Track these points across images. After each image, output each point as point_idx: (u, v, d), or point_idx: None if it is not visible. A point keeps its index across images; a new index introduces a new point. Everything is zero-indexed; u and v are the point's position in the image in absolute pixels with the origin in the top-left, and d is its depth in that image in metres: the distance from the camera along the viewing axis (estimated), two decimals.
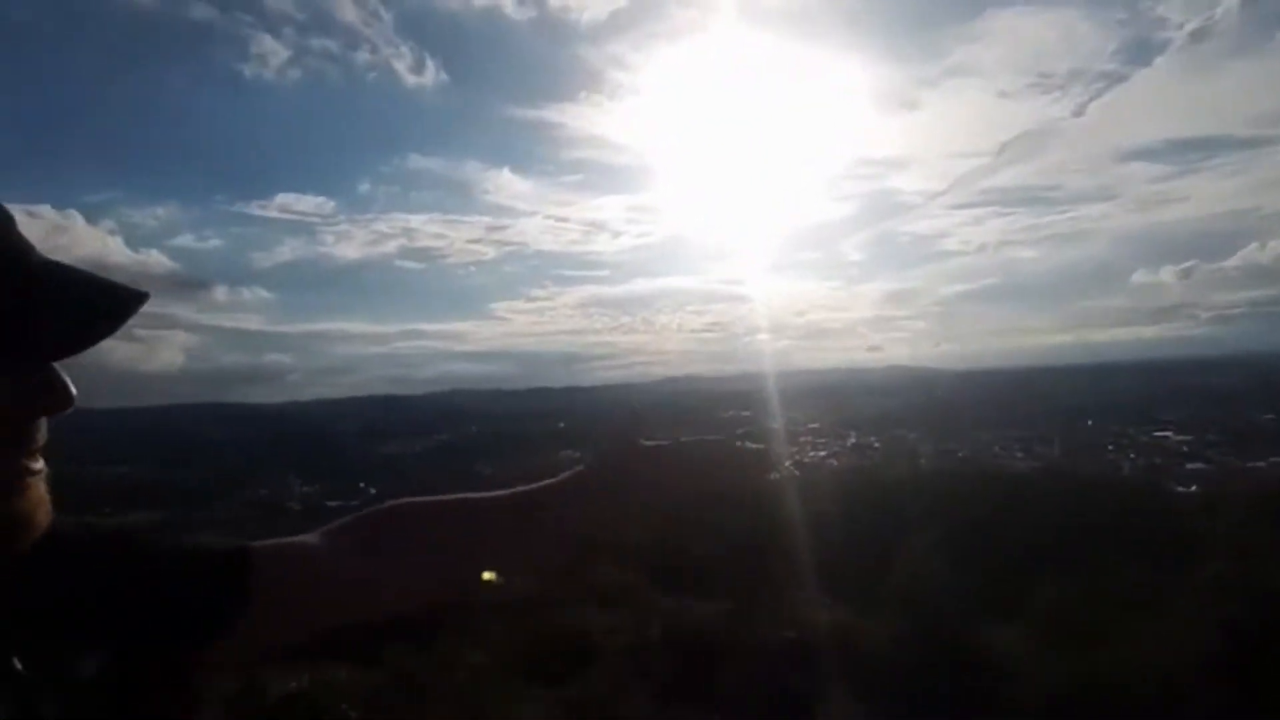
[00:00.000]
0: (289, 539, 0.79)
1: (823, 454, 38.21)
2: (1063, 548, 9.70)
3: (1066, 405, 58.67)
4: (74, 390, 0.57)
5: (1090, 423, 50.02)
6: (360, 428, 67.22)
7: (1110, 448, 40.72)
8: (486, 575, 0.81)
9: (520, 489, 0.84)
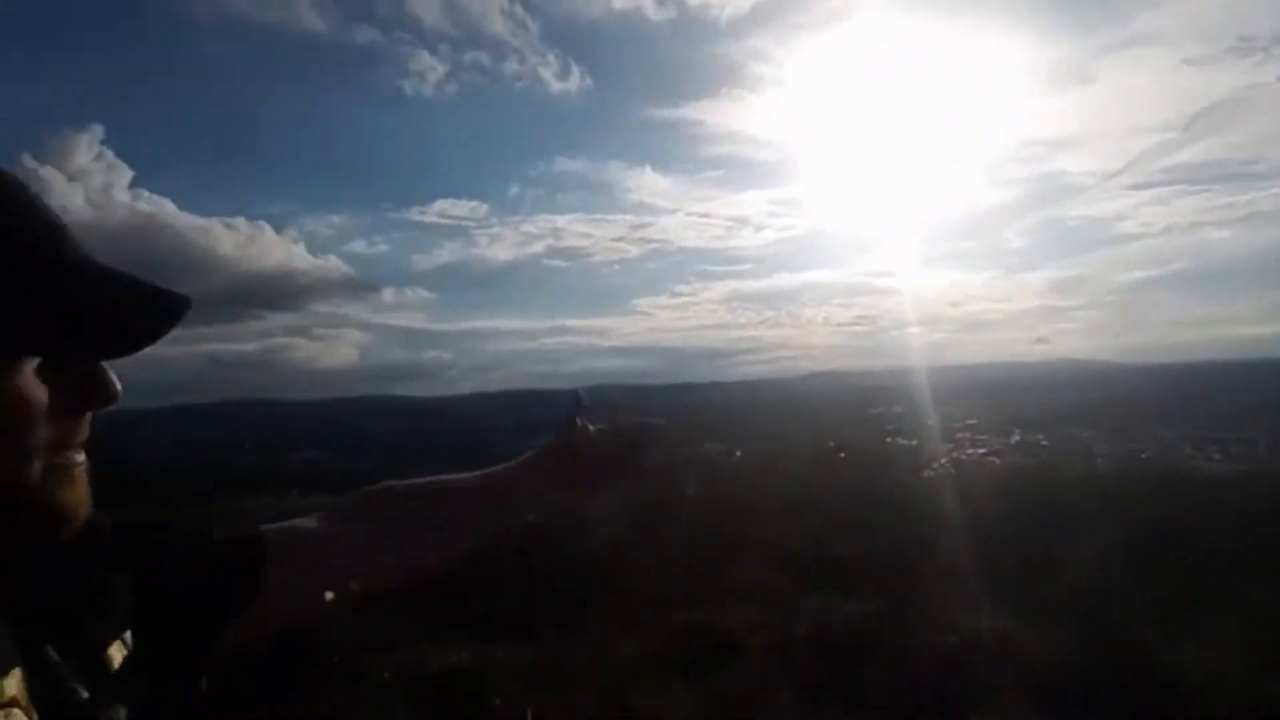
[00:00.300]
0: (292, 522, 0.88)
1: (982, 451, 35.74)
2: (1269, 556, 8.63)
3: (1272, 402, 52.13)
4: (119, 387, 0.59)
5: None
6: (513, 422, 70.25)
7: None
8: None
9: (486, 470, 0.99)
